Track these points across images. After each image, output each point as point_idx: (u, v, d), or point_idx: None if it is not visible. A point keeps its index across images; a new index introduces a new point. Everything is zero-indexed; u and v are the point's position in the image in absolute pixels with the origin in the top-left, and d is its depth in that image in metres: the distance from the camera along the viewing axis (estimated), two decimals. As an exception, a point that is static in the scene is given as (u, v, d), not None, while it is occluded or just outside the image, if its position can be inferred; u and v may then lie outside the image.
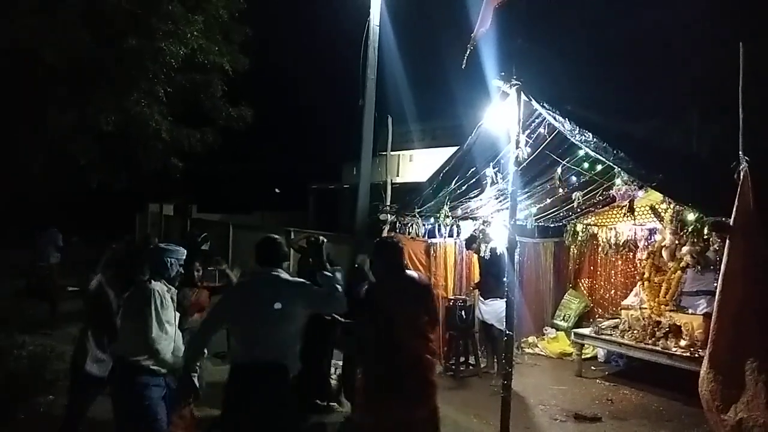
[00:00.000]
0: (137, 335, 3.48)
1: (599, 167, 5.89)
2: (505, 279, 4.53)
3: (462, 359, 7.01)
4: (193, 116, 10.69)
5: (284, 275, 3.42)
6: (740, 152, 2.89)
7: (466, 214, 7.35)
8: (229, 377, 3.26)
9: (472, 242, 7.23)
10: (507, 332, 4.27)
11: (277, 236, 3.61)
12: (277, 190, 27.96)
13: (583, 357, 7.22)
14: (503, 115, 4.66)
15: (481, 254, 7.05)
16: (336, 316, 4.97)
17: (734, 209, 2.86)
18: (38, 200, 12.92)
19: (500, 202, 6.77)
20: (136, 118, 9.03)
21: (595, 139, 3.84)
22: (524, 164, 4.68)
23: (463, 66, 4.49)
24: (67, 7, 7.99)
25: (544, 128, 4.95)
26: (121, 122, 8.93)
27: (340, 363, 5.82)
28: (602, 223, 8.53)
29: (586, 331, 7.22)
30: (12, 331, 7.04)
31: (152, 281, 3.60)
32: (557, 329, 8.54)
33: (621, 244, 8.25)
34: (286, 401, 3.22)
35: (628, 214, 6.59)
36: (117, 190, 11.26)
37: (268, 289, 3.32)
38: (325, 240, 3.77)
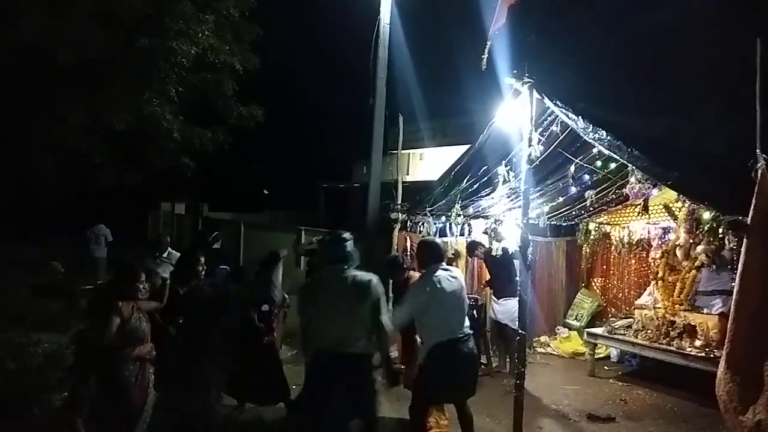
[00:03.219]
0: (361, 325, 3.61)
1: (612, 165, 5.83)
2: (517, 278, 4.50)
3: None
4: (204, 115, 10.74)
5: None
6: (757, 149, 2.84)
7: (478, 213, 7.32)
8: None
9: (473, 249, 7.13)
10: (520, 331, 4.25)
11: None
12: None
13: (596, 357, 7.17)
14: (515, 113, 4.63)
15: (493, 253, 7.01)
16: None
17: (752, 208, 2.81)
18: (50, 198, 13.05)
19: (512, 200, 6.73)
20: (148, 117, 9.09)
21: (608, 137, 3.80)
22: (536, 162, 4.63)
23: (484, 68, 4.44)
24: (80, 7, 8.05)
25: (557, 126, 4.90)
26: (134, 122, 8.99)
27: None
28: (615, 222, 8.45)
29: (599, 330, 7.16)
30: (27, 328, 7.12)
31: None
32: (570, 329, 8.49)
33: (634, 243, 8.17)
34: None
35: (642, 212, 6.53)
36: (129, 189, 11.36)
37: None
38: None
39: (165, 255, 7.44)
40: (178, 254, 7.69)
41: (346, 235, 3.84)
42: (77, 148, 9.09)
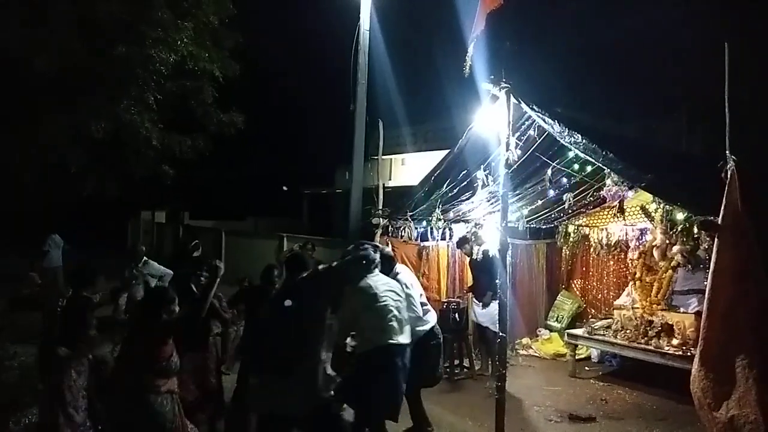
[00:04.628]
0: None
1: (589, 168, 5.92)
2: (497, 281, 4.54)
3: (456, 362, 7.00)
4: (184, 123, 10.64)
5: None
6: (727, 151, 2.93)
7: (458, 217, 7.37)
8: None
9: (464, 242, 7.19)
10: (500, 334, 4.29)
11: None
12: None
13: (576, 357, 7.24)
14: (493, 118, 4.68)
15: (474, 256, 7.06)
16: None
17: (722, 208, 2.89)
18: (29, 209, 12.82)
19: (492, 204, 6.79)
20: (126, 125, 8.99)
21: (584, 141, 3.88)
22: (515, 166, 4.70)
23: (466, 75, 4.49)
24: (59, 16, 7.95)
25: (534, 130, 4.98)
26: (112, 130, 8.89)
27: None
28: (593, 224, 8.56)
29: (579, 331, 7.24)
30: (4, 341, 6.98)
31: None
32: (551, 330, 8.56)
33: (612, 244, 8.28)
34: None
35: (619, 214, 6.63)
36: (109, 198, 11.17)
37: None
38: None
39: (141, 265, 7.38)
40: (155, 263, 7.62)
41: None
42: (57, 157, 8.96)
